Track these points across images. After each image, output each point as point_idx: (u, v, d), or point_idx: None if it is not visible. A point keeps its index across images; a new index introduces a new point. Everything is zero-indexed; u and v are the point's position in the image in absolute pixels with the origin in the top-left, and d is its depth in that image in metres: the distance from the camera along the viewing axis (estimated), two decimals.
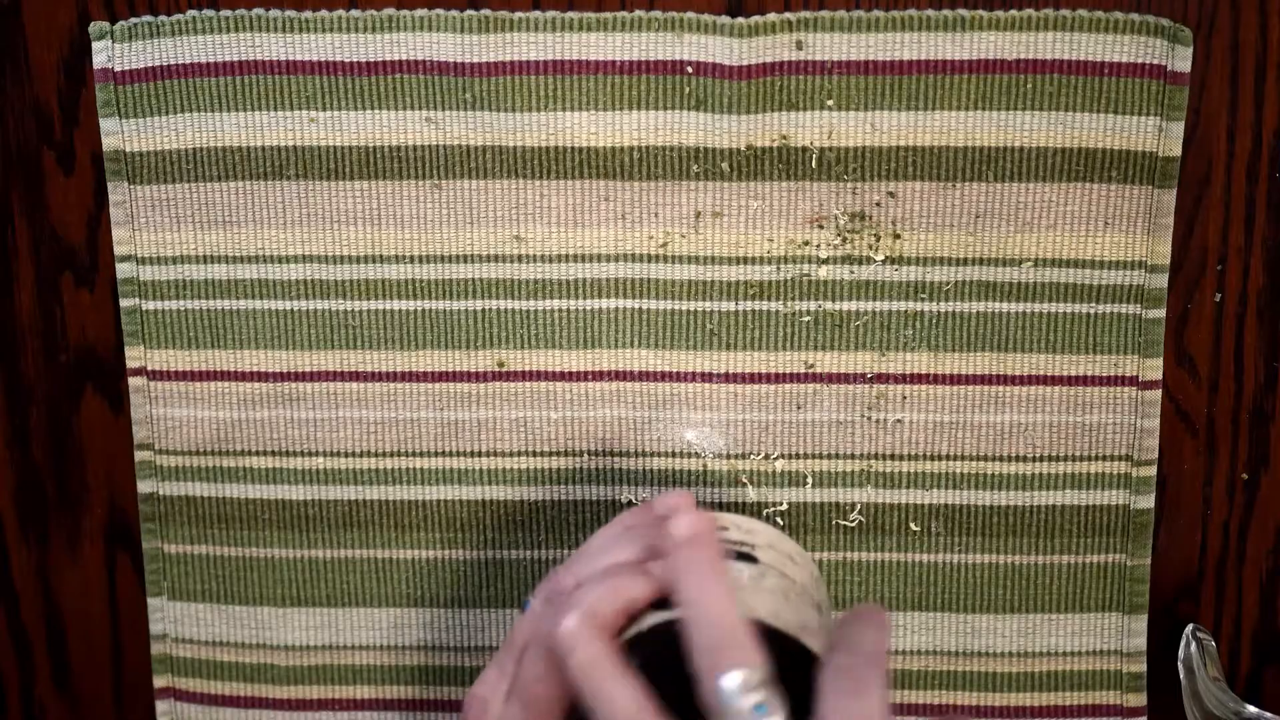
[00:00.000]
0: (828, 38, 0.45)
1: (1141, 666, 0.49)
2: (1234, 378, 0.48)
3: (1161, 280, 0.47)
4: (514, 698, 0.30)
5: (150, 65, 0.46)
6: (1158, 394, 0.47)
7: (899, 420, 0.48)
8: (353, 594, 0.50)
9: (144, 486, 0.50)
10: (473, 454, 0.48)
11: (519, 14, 0.45)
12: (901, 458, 0.48)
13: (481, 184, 0.46)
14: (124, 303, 0.48)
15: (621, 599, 0.30)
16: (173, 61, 0.46)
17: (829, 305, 0.47)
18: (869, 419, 0.48)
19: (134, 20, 0.46)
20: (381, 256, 0.47)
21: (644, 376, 0.48)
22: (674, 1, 0.46)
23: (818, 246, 0.47)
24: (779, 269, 0.47)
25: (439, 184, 0.47)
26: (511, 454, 0.48)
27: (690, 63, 0.45)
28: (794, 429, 0.48)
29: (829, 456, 0.48)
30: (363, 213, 0.47)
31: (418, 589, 0.49)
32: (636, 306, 0.47)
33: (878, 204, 0.46)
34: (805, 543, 0.48)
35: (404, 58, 0.46)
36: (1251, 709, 0.46)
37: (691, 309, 0.47)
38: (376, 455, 0.49)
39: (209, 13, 0.46)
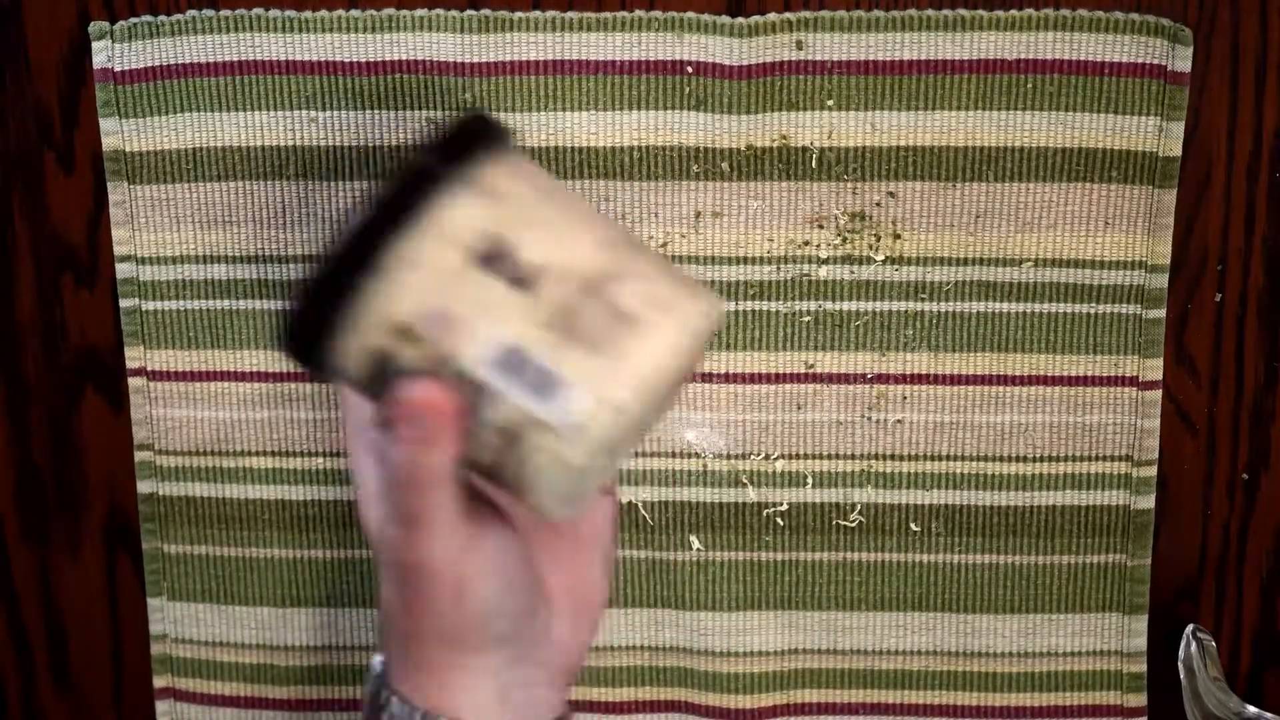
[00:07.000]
0: (828, 38, 0.45)
1: (1141, 667, 0.49)
2: (1234, 378, 0.48)
3: (1161, 280, 0.47)
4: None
5: (150, 65, 0.46)
6: (1158, 394, 0.47)
7: (899, 420, 0.48)
8: (353, 594, 0.50)
9: (144, 487, 0.50)
10: None
11: (519, 14, 0.45)
12: (901, 458, 0.48)
13: None
14: (124, 303, 0.48)
15: None
16: (172, 61, 0.46)
17: (829, 305, 0.47)
18: (869, 419, 0.48)
19: (134, 20, 0.46)
20: None
21: None
22: (674, 1, 0.46)
23: (818, 246, 0.47)
24: (779, 269, 0.47)
25: None
26: None
27: (690, 63, 0.45)
28: (794, 429, 0.48)
29: (829, 457, 0.48)
30: None
31: None
32: None
33: (878, 204, 0.46)
34: (805, 543, 0.48)
35: (404, 58, 0.46)
36: (1251, 709, 0.46)
37: None
38: None
39: (209, 13, 0.46)
